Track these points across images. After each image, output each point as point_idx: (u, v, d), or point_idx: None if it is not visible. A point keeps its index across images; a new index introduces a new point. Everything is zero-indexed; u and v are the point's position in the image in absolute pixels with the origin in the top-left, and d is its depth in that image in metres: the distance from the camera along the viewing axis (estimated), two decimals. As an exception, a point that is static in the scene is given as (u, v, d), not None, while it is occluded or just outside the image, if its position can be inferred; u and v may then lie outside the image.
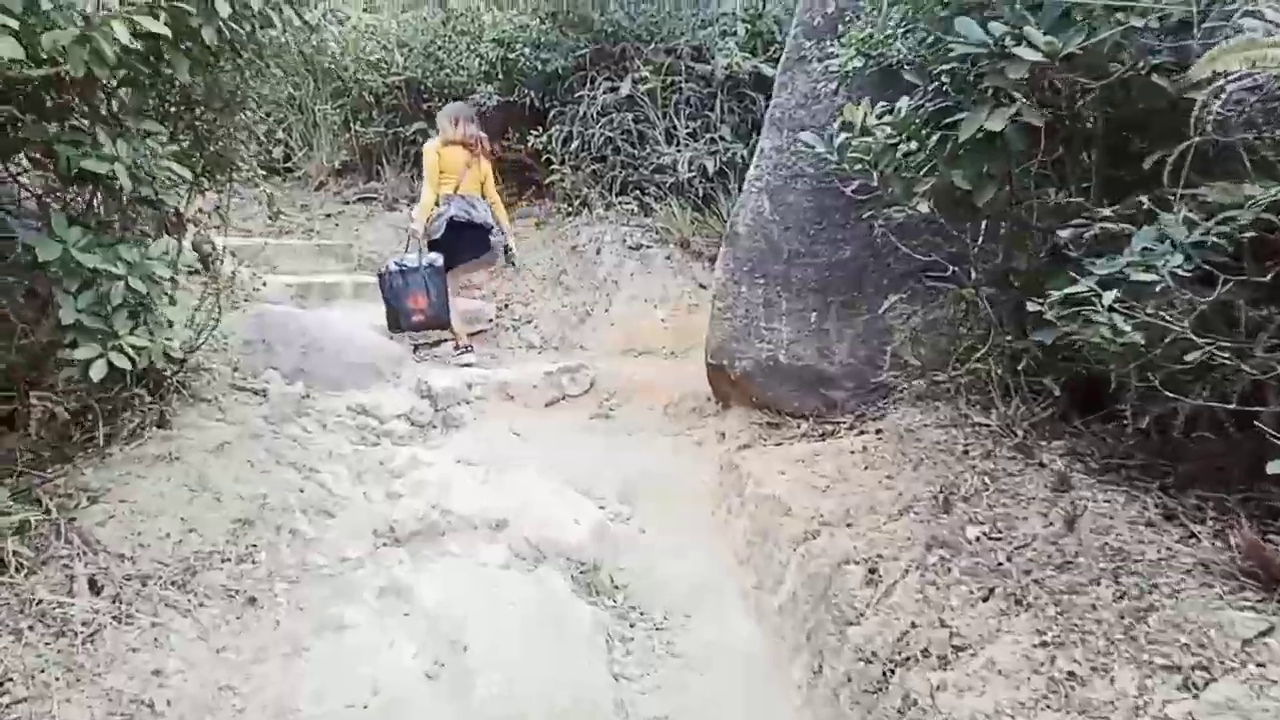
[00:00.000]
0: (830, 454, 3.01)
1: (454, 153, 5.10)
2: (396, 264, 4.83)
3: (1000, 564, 1.99)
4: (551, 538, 2.90)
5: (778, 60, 5.58)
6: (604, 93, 6.10)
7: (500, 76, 6.43)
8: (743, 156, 5.62)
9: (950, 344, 3.18)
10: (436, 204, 5.00)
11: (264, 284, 3.85)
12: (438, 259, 4.88)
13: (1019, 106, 2.12)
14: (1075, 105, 2.28)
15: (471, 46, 6.60)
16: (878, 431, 2.98)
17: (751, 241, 3.62)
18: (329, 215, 6.83)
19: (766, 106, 5.62)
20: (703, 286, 5.51)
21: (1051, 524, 2.04)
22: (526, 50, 6.24)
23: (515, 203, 6.70)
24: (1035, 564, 1.94)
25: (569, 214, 6.29)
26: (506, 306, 5.86)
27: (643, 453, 3.97)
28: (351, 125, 7.17)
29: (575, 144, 6.17)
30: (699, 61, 5.93)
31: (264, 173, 3.50)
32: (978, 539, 2.10)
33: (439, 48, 6.78)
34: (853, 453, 2.93)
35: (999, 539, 2.07)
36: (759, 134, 5.69)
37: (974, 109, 2.19)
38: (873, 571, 2.22)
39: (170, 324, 2.60)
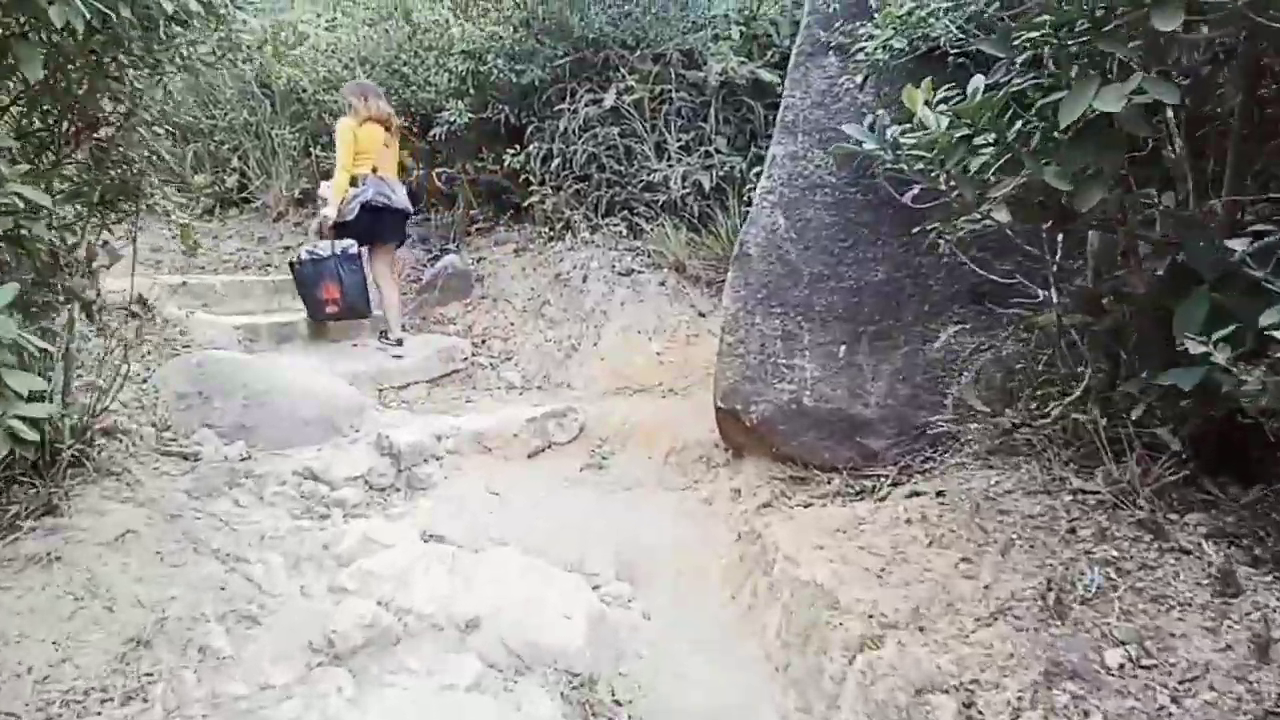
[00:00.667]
0: (879, 523, 2.43)
1: (371, 130, 4.81)
2: (308, 252, 4.56)
3: (1163, 708, 1.42)
4: (536, 640, 2.31)
5: (776, 65, 5.09)
6: (586, 105, 5.54)
7: (471, 91, 5.87)
8: (741, 170, 5.10)
9: (1009, 381, 2.65)
10: (353, 183, 4.67)
11: (181, 333, 3.25)
12: (351, 245, 4.59)
13: (1141, 80, 1.58)
14: (1206, 75, 1.75)
15: (440, 61, 6.04)
16: (938, 494, 2.41)
17: (765, 264, 3.06)
18: (288, 248, 6.22)
19: (766, 115, 5.17)
20: (702, 314, 4.95)
21: (1228, 647, 1.47)
22: (499, 62, 5.69)
23: (492, 228, 6.13)
24: (1219, 712, 1.37)
25: (551, 239, 5.71)
26: (483, 342, 5.27)
27: (643, 512, 3.38)
28: (312, 150, 6.59)
29: (556, 162, 5.62)
30: (690, 68, 5.40)
31: (182, 201, 2.94)
32: (1121, 666, 1.52)
33: (404, 63, 6.22)
34: (909, 522, 2.36)
35: (1152, 667, 1.50)
36: (758, 145, 5.23)
37: (1077, 86, 1.65)
38: (969, 706, 1.64)
39: (44, 397, 2.02)
